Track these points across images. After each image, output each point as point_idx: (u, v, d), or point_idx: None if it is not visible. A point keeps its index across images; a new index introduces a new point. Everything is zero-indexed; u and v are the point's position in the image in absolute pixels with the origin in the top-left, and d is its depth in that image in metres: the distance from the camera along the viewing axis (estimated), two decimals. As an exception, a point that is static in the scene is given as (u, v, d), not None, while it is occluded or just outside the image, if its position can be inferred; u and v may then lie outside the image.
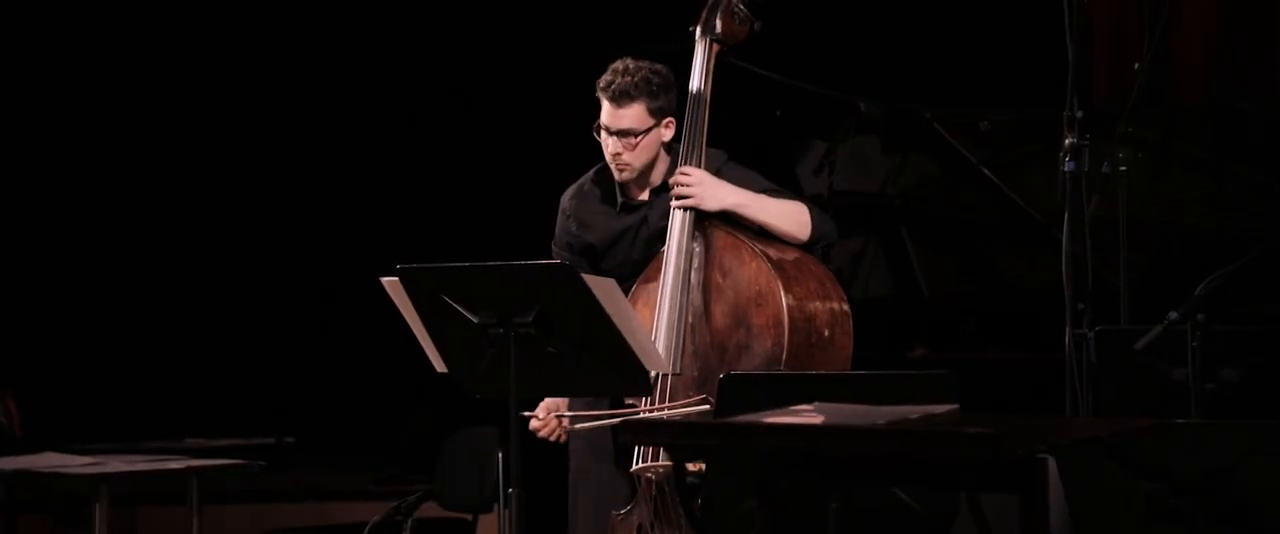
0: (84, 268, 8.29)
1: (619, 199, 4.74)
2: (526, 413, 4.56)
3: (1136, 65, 5.01)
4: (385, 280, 4.03)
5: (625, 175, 4.68)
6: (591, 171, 4.83)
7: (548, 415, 4.62)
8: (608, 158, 4.67)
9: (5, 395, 6.61)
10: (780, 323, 4.36)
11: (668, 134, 4.66)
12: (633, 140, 4.61)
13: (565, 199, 4.85)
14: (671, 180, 4.59)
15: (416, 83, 8.34)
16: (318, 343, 8.29)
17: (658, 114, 4.62)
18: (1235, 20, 6.30)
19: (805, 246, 4.62)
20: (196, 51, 8.35)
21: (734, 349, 4.42)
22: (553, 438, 4.65)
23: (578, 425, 4.48)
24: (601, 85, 4.63)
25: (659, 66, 4.66)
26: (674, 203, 4.56)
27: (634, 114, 4.60)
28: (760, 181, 4.68)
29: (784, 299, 4.37)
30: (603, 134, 4.64)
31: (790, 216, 4.61)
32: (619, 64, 4.65)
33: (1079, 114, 4.53)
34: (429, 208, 8.21)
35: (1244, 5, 6.29)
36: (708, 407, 4.31)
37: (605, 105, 4.62)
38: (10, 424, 6.55)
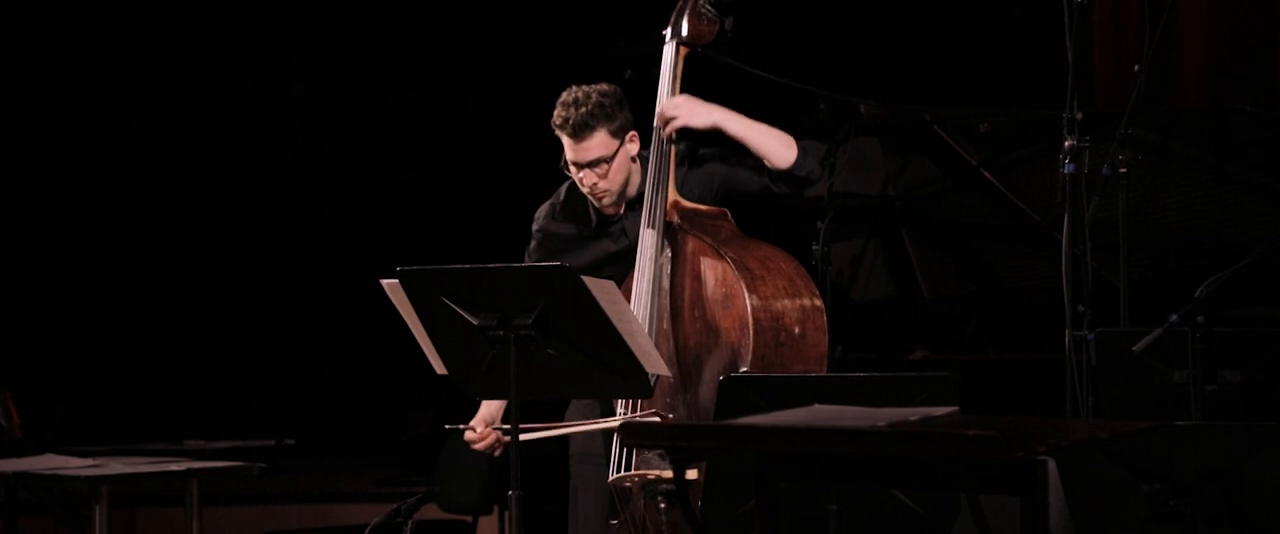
0: (84, 270, 8.29)
1: (593, 218, 4.73)
2: (462, 426, 4.55)
3: (1136, 67, 5.01)
4: (385, 283, 4.03)
5: (606, 202, 4.66)
6: (563, 189, 4.80)
7: (485, 430, 4.57)
8: (585, 191, 4.66)
9: (5, 397, 6.61)
10: (745, 324, 4.36)
11: (634, 148, 4.65)
12: (605, 168, 4.60)
13: (540, 217, 4.82)
14: (656, 125, 4.58)
15: (417, 85, 8.35)
16: (318, 345, 8.29)
17: (620, 133, 4.61)
18: (1235, 22, 6.30)
19: (787, 176, 4.61)
20: (197, 52, 8.36)
21: (704, 352, 4.43)
22: (494, 452, 4.61)
23: (522, 436, 4.47)
24: (557, 123, 4.60)
25: (604, 87, 4.63)
26: (662, 131, 4.56)
27: (598, 142, 4.58)
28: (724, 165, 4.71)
29: (748, 300, 4.38)
30: (573, 170, 4.62)
31: (777, 137, 4.61)
32: (566, 96, 4.61)
33: (1079, 116, 4.53)
34: (429, 210, 8.22)
35: (1244, 7, 6.30)
36: (658, 420, 4.35)
37: (567, 142, 4.60)
38: (10, 426, 6.55)
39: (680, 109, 4.58)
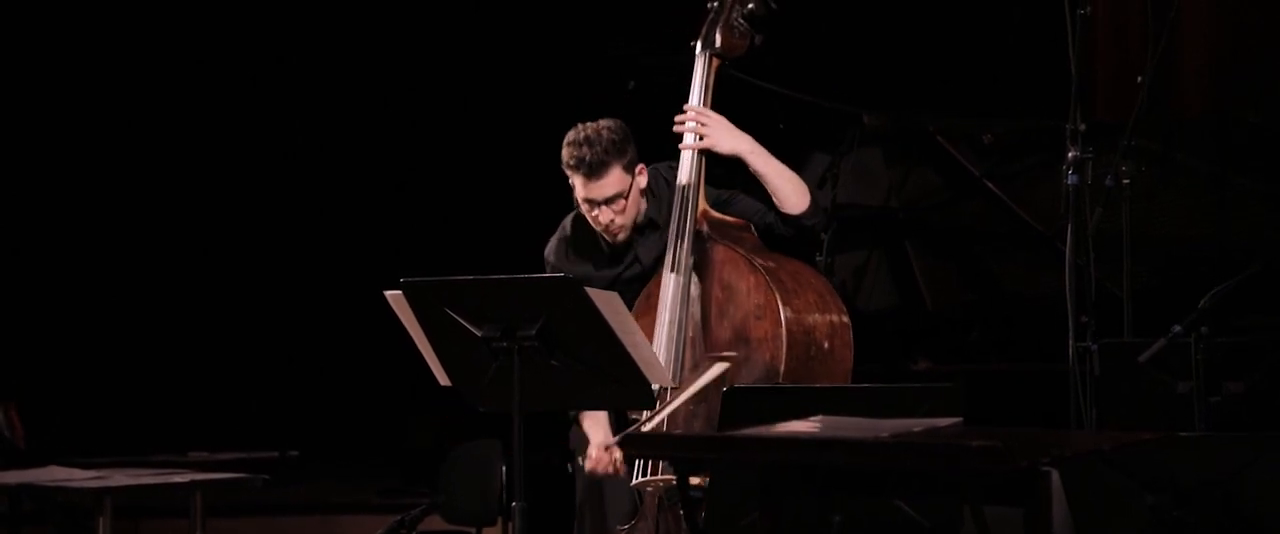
0: (88, 281, 8.30)
1: (605, 249, 4.71)
2: (581, 459, 4.56)
3: (1140, 78, 5.01)
4: (389, 294, 4.04)
5: (621, 237, 4.65)
6: (567, 221, 4.77)
7: (600, 453, 4.53)
8: (599, 228, 4.63)
9: (9, 408, 6.61)
10: (779, 335, 4.37)
11: (644, 180, 4.63)
12: (622, 204, 4.58)
13: (548, 254, 4.78)
14: (677, 119, 4.55)
15: (422, 95, 8.36)
16: (321, 356, 8.30)
17: (630, 168, 4.59)
18: (1238, 30, 6.31)
19: (794, 222, 4.60)
20: (203, 61, 8.37)
21: (734, 362, 4.42)
22: (612, 472, 4.57)
23: (636, 480, 4.45)
24: (570, 163, 4.55)
25: (609, 123, 4.59)
26: (685, 140, 4.53)
27: (614, 179, 4.56)
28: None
29: (783, 312, 4.38)
30: (587, 208, 4.60)
31: (795, 182, 4.59)
32: (574, 135, 4.56)
33: (1082, 126, 4.54)
34: (430, 212, 8.22)
35: (1247, 15, 6.30)
36: (727, 365, 4.33)
37: (580, 181, 4.56)
38: (13, 437, 6.55)
39: (711, 130, 4.54)
